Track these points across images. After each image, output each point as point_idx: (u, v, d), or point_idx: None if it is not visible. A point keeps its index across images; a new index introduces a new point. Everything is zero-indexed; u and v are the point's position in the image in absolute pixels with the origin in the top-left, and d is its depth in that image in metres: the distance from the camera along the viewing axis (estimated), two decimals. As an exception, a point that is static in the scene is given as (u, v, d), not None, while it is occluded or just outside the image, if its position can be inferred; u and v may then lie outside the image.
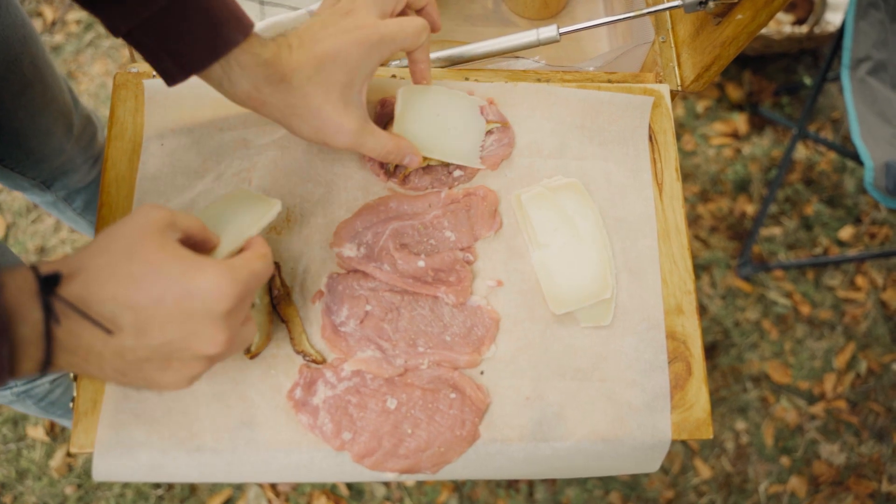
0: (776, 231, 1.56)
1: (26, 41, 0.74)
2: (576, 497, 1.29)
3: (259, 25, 0.63)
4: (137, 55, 0.51)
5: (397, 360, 0.54)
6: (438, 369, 0.55)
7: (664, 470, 1.34)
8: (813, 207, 1.58)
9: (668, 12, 0.68)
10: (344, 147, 0.51)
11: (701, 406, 0.56)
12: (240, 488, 1.26)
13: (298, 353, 0.54)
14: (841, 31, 1.27)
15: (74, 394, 0.52)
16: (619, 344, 0.57)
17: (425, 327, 0.56)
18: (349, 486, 1.28)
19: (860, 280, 1.52)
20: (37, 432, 1.28)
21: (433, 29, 0.57)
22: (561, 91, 0.62)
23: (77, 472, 1.27)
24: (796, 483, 1.35)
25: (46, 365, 0.37)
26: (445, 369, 0.55)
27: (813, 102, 1.38)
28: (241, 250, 0.45)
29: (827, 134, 1.67)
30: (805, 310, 1.49)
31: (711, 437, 0.56)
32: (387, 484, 1.28)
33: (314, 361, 0.54)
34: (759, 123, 1.66)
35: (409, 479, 1.10)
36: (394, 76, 0.62)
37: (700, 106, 1.67)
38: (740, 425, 1.39)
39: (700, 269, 1.50)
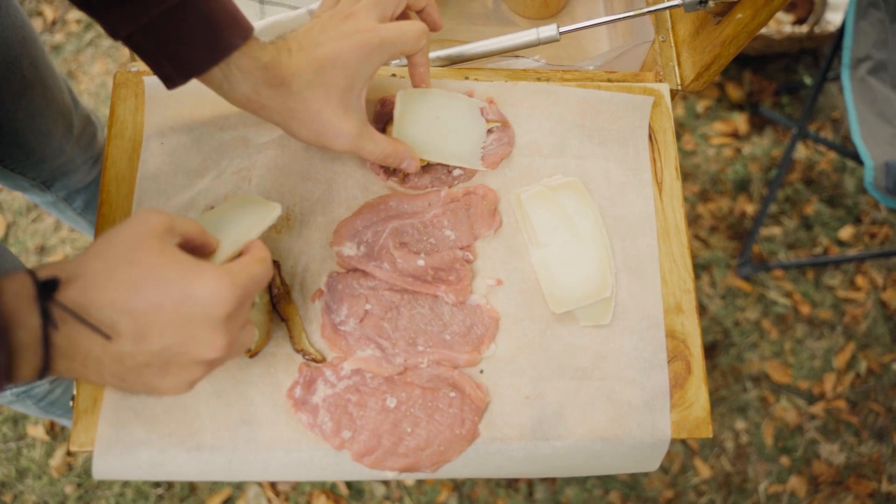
0: (776, 231, 1.56)
1: (26, 42, 0.74)
2: (575, 496, 1.29)
3: (259, 25, 0.63)
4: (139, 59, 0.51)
5: (397, 359, 0.54)
6: (438, 368, 0.55)
7: (664, 469, 1.34)
8: (813, 207, 1.58)
9: (667, 11, 0.68)
10: (343, 150, 0.52)
11: (700, 405, 0.56)
12: (239, 487, 1.26)
13: (298, 351, 0.54)
14: (841, 31, 1.27)
15: (74, 393, 0.52)
16: (619, 343, 0.57)
17: (425, 326, 0.56)
18: (349, 485, 1.28)
19: (860, 280, 1.52)
20: (37, 431, 1.29)
21: (434, 29, 0.57)
22: (561, 90, 0.62)
23: (77, 472, 1.27)
24: (796, 483, 1.35)
25: (44, 370, 0.37)
26: (445, 368, 0.55)
27: (813, 102, 1.38)
28: (240, 254, 0.45)
29: (827, 134, 1.67)
30: (805, 310, 1.49)
31: (711, 436, 0.56)
32: (386, 483, 1.28)
33: (314, 360, 0.54)
34: (759, 123, 1.66)
35: (409, 478, 1.10)
36: (393, 75, 0.62)
37: (700, 105, 1.67)
38: (740, 425, 1.39)
39: (700, 268, 1.51)
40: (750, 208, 1.57)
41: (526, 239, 0.59)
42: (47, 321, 0.36)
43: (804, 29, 1.58)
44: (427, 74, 0.56)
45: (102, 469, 0.51)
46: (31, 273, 0.37)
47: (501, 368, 0.56)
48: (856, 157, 1.21)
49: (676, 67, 0.66)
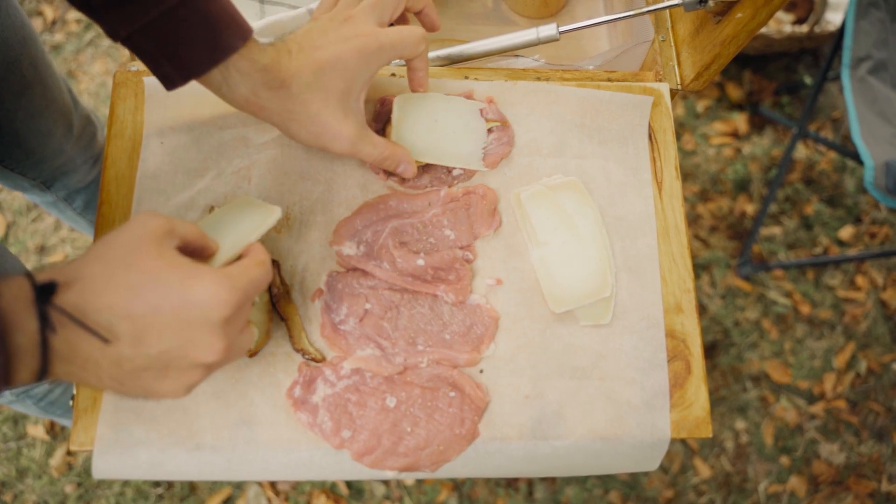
0: (776, 231, 1.56)
1: (26, 42, 0.74)
2: (575, 496, 1.29)
3: (259, 24, 0.63)
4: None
5: (397, 359, 0.54)
6: (438, 368, 0.55)
7: (664, 469, 1.34)
8: (813, 207, 1.58)
9: (667, 11, 0.68)
10: (341, 153, 0.52)
11: (700, 405, 0.56)
12: (239, 487, 1.26)
13: (298, 351, 0.54)
14: (841, 31, 1.27)
15: (74, 392, 0.52)
16: (619, 342, 0.57)
17: (425, 326, 0.56)
18: (349, 484, 1.28)
19: (860, 280, 1.52)
20: (37, 431, 1.29)
21: (432, 29, 0.57)
22: (560, 90, 0.62)
23: (77, 471, 1.27)
24: (796, 482, 1.35)
25: (42, 374, 0.37)
26: (445, 368, 0.55)
27: (813, 102, 1.38)
28: (239, 257, 0.45)
29: (827, 133, 1.67)
30: (805, 309, 1.49)
31: (711, 435, 0.56)
32: (386, 483, 1.28)
33: (313, 360, 0.54)
34: (759, 123, 1.66)
35: (409, 478, 1.10)
36: (393, 75, 0.62)
37: (700, 105, 1.67)
38: (740, 425, 1.39)
39: (700, 268, 1.50)
40: (750, 208, 1.57)
41: (526, 238, 0.59)
42: (45, 325, 0.36)
43: (804, 28, 1.58)
44: (426, 78, 0.56)
45: (102, 468, 0.51)
46: (30, 276, 0.36)
47: (501, 368, 0.56)
48: (856, 157, 1.21)
49: (676, 67, 0.66)
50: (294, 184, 0.58)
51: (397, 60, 0.64)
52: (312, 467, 0.53)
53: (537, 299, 0.57)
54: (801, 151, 1.64)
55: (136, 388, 0.40)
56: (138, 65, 0.61)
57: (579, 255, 0.58)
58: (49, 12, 1.66)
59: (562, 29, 0.63)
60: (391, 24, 0.55)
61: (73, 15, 1.66)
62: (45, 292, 0.36)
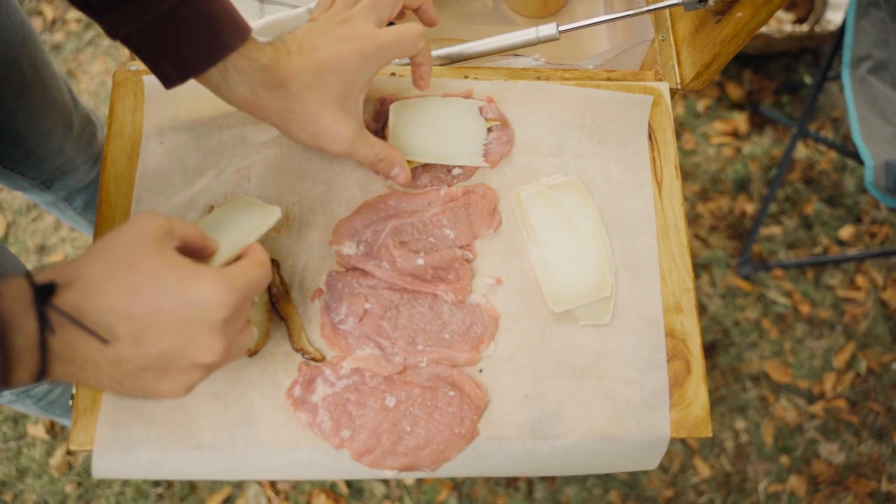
0: (776, 230, 1.56)
1: (26, 42, 0.74)
2: (575, 496, 1.29)
3: (258, 24, 0.63)
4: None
5: (396, 358, 0.54)
6: (437, 367, 0.55)
7: (663, 469, 1.34)
8: (813, 207, 1.58)
9: (667, 10, 0.68)
10: (339, 153, 0.52)
11: (700, 404, 0.56)
12: (239, 486, 1.26)
13: (297, 350, 0.54)
14: (841, 30, 1.27)
15: (74, 392, 0.52)
16: (618, 342, 0.57)
17: (424, 325, 0.56)
18: (349, 484, 1.28)
19: (860, 279, 1.52)
20: (37, 430, 1.29)
21: (430, 24, 0.57)
22: (560, 89, 0.62)
23: (77, 471, 1.27)
24: (796, 482, 1.35)
25: (41, 374, 0.37)
26: (444, 367, 0.55)
27: (813, 101, 1.38)
28: (239, 257, 0.45)
29: (827, 133, 1.67)
30: (805, 309, 1.49)
31: (710, 435, 0.56)
32: (386, 482, 1.28)
33: (313, 359, 0.54)
34: (759, 122, 1.66)
35: (408, 477, 1.10)
36: (393, 74, 0.62)
37: (700, 105, 1.67)
38: (740, 424, 1.39)
39: (700, 268, 1.50)
40: (750, 208, 1.57)
41: (525, 238, 0.59)
42: (44, 325, 0.36)
43: (804, 28, 1.58)
44: (428, 74, 0.56)
45: (102, 468, 0.51)
46: (29, 277, 0.36)
47: (501, 367, 0.56)
48: (856, 157, 1.21)
49: (676, 66, 0.66)
50: (294, 183, 0.58)
51: (398, 60, 0.64)
52: (312, 467, 0.53)
53: (537, 299, 0.57)
54: (801, 151, 1.64)
55: (135, 388, 0.40)
56: (138, 64, 0.61)
57: (579, 254, 0.58)
58: (49, 12, 1.66)
59: (561, 28, 0.63)
60: (390, 23, 0.55)
61: (73, 14, 1.66)
62: (44, 293, 0.36)
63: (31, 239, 1.43)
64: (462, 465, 0.54)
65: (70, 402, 0.53)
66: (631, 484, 1.32)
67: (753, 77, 1.70)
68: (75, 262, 0.39)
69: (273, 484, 1.27)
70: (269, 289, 0.55)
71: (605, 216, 0.60)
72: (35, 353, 0.36)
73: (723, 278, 1.50)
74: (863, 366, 1.45)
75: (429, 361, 0.55)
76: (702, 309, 1.47)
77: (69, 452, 1.28)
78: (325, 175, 0.59)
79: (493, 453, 0.54)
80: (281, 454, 0.52)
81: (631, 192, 0.61)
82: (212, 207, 0.57)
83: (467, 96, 0.62)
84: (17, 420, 1.30)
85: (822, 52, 1.73)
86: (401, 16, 0.57)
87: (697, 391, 0.57)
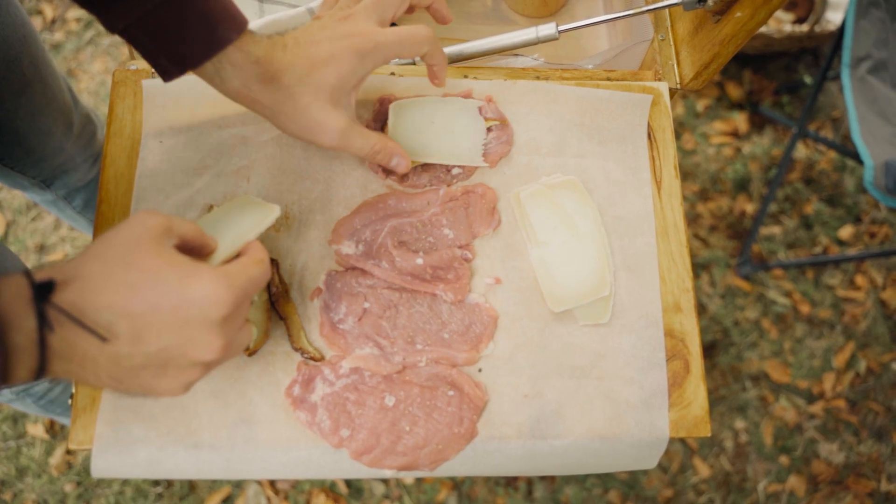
0: (776, 230, 1.56)
1: (26, 41, 0.74)
2: (575, 495, 1.29)
3: (258, 23, 0.63)
4: (136, 53, 0.51)
5: (395, 358, 0.54)
6: (436, 367, 0.55)
7: (663, 469, 1.34)
8: (813, 206, 1.58)
9: (667, 10, 0.68)
10: (330, 146, 0.52)
11: (699, 404, 0.56)
12: (239, 486, 1.26)
13: (297, 350, 0.54)
14: (841, 30, 1.27)
15: (73, 390, 0.52)
16: (618, 342, 0.57)
17: (423, 325, 0.56)
18: (348, 483, 1.28)
19: (860, 279, 1.52)
20: (36, 430, 1.29)
21: (443, 22, 0.57)
22: (560, 89, 0.62)
23: (76, 470, 1.27)
24: (795, 482, 1.35)
25: (40, 372, 0.37)
26: (443, 367, 0.55)
27: (813, 101, 1.38)
28: (238, 255, 0.45)
29: (827, 133, 1.67)
30: (804, 309, 1.49)
31: (709, 434, 0.56)
32: (385, 482, 1.28)
33: (312, 358, 0.54)
34: (759, 122, 1.66)
35: (408, 477, 1.10)
36: (392, 73, 0.62)
37: (700, 105, 1.67)
38: (739, 424, 1.39)
39: (700, 267, 1.50)
40: (750, 207, 1.57)
41: (525, 238, 0.59)
42: (43, 323, 0.36)
43: (804, 28, 1.58)
44: (442, 72, 0.55)
45: (101, 467, 0.52)
46: (28, 275, 0.37)
47: (500, 367, 0.56)
48: (856, 157, 1.21)
49: (675, 66, 0.66)
50: (293, 183, 0.58)
51: (398, 59, 0.65)
52: (311, 466, 0.53)
53: (536, 298, 0.57)
54: (801, 151, 1.64)
55: (134, 385, 0.40)
56: (137, 64, 0.61)
57: (578, 254, 0.58)
58: (49, 11, 1.66)
59: (561, 28, 0.63)
60: (397, 23, 0.55)
61: (73, 14, 1.66)
62: (43, 291, 0.36)
63: (30, 238, 1.43)
64: (461, 465, 0.54)
65: (69, 401, 0.53)
66: (630, 483, 1.32)
67: (753, 77, 1.70)
68: (74, 260, 0.39)
69: (272, 483, 1.27)
70: (269, 288, 0.55)
71: (605, 216, 0.60)
72: (34, 351, 0.36)
73: (722, 278, 1.50)
74: (862, 366, 1.45)
75: (428, 361, 0.55)
76: (701, 309, 1.47)
77: (69, 452, 1.28)
78: (324, 174, 0.59)
79: (492, 453, 0.54)
80: (280, 453, 0.53)
81: (630, 191, 0.61)
82: (211, 206, 0.57)
83: (467, 96, 0.62)
84: (17, 419, 1.30)
85: (821, 52, 1.73)
86: (410, 10, 0.56)
87: (696, 391, 0.57)
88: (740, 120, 1.66)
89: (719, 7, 0.58)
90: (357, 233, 0.57)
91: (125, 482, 1.26)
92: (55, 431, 1.29)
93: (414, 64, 0.64)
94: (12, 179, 0.88)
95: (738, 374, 1.43)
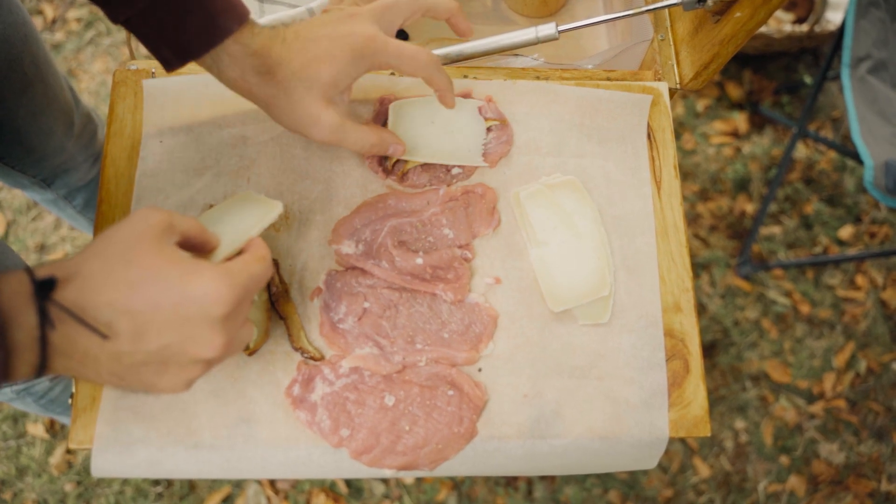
0: (776, 230, 1.56)
1: (27, 40, 0.75)
2: (574, 495, 1.29)
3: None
4: (137, 52, 0.51)
5: (395, 357, 0.55)
6: (436, 366, 0.55)
7: (663, 469, 1.34)
8: (813, 206, 1.58)
9: (666, 10, 0.68)
10: (322, 141, 0.52)
11: (699, 403, 0.56)
12: (239, 486, 1.26)
13: (296, 349, 0.54)
14: (841, 30, 1.27)
15: (73, 390, 0.53)
16: (617, 341, 0.57)
17: (423, 324, 0.56)
18: (348, 483, 1.28)
19: (860, 279, 1.52)
20: (36, 429, 1.29)
21: (463, 34, 0.56)
22: (560, 89, 0.62)
23: (77, 470, 1.27)
24: (795, 482, 1.35)
25: (41, 369, 0.37)
26: (443, 366, 0.55)
27: (813, 101, 1.38)
28: (240, 252, 0.45)
29: (827, 133, 1.67)
30: (804, 309, 1.49)
31: (709, 434, 0.56)
32: (385, 481, 1.28)
33: (312, 358, 0.54)
34: (759, 122, 1.66)
35: (407, 476, 1.10)
36: (392, 73, 0.62)
37: (700, 105, 1.67)
38: (739, 424, 1.39)
39: (700, 267, 1.51)
40: (750, 207, 1.57)
41: (524, 237, 0.59)
42: (44, 320, 0.36)
43: (804, 28, 1.58)
44: (447, 96, 0.54)
45: (101, 467, 0.52)
46: (29, 272, 0.37)
47: (500, 367, 0.56)
48: (856, 157, 1.21)
49: (675, 66, 0.67)
50: (293, 183, 0.59)
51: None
52: (311, 466, 0.53)
53: (536, 298, 0.57)
54: (801, 151, 1.64)
55: (135, 382, 0.40)
56: (138, 64, 0.61)
57: (578, 254, 0.58)
58: (49, 11, 1.66)
59: (561, 28, 0.63)
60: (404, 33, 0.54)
61: (74, 14, 1.66)
62: (44, 288, 0.36)
63: (31, 237, 1.43)
64: (461, 465, 0.54)
65: (70, 401, 0.53)
66: (630, 483, 1.32)
67: (753, 77, 1.70)
68: (76, 257, 0.39)
69: (272, 483, 1.27)
70: (269, 288, 0.55)
71: (605, 216, 0.60)
72: (35, 348, 0.36)
73: (722, 278, 1.50)
74: (862, 366, 1.45)
75: (428, 360, 0.55)
76: (701, 309, 1.47)
77: (69, 451, 1.28)
78: (324, 174, 0.59)
79: (492, 452, 0.54)
80: (280, 453, 0.53)
81: (630, 191, 0.61)
82: (211, 206, 0.57)
83: (467, 96, 0.62)
84: (17, 419, 1.30)
85: (821, 52, 1.73)
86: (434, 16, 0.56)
87: (696, 391, 0.57)
88: (740, 120, 1.66)
89: (719, 7, 0.58)
90: (357, 232, 0.57)
91: (125, 482, 1.26)
92: (55, 431, 1.29)
93: None
94: (13, 178, 0.89)
95: (738, 374, 1.43)
